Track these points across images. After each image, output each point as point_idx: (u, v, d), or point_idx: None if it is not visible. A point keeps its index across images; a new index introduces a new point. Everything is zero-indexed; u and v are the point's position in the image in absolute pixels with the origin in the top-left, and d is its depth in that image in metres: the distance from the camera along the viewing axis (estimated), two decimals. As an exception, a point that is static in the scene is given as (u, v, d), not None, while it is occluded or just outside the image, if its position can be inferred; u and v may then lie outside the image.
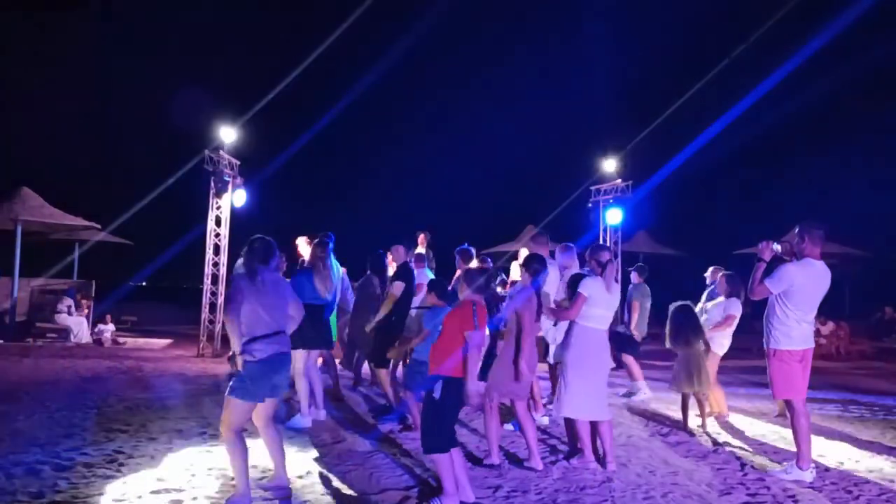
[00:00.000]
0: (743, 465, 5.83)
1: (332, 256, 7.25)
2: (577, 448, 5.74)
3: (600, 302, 5.56)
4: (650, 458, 5.97)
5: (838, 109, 28.88)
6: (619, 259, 13.59)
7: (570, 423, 5.81)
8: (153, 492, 4.61)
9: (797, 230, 5.56)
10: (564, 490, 4.97)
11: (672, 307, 7.29)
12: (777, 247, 5.63)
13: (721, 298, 7.75)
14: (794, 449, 6.41)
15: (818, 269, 5.46)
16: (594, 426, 5.68)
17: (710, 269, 8.78)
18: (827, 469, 5.76)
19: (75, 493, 4.55)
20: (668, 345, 7.23)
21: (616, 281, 5.97)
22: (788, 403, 5.55)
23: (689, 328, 7.04)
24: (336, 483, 4.97)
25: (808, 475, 5.39)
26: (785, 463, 5.60)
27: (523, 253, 8.72)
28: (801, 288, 5.39)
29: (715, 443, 6.59)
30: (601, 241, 13.08)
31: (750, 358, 12.85)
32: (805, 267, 5.43)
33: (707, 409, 7.22)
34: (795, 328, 5.44)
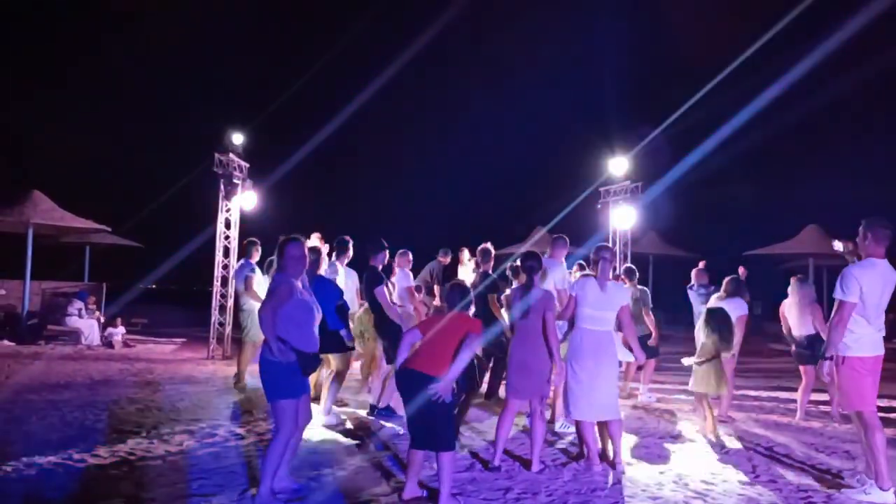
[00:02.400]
0: (754, 466, 5.80)
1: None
2: (584, 450, 5.72)
3: (590, 302, 5.53)
4: (660, 459, 5.96)
5: (850, 110, 28.75)
6: (629, 260, 13.53)
7: (579, 424, 5.80)
8: (164, 493, 4.62)
9: (861, 227, 5.13)
10: (575, 492, 4.96)
11: (706, 309, 7.29)
12: (838, 245, 5.42)
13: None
14: (802, 449, 6.40)
15: (882, 269, 5.05)
16: (603, 426, 5.67)
17: (699, 265, 8.95)
18: (840, 470, 5.73)
19: (87, 495, 4.57)
20: (702, 343, 7.16)
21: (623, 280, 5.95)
22: (860, 416, 5.06)
23: (725, 331, 7.02)
24: (346, 484, 4.98)
25: (891, 496, 4.90)
26: (869, 486, 5.00)
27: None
28: (867, 291, 4.98)
29: (725, 445, 6.56)
30: (610, 243, 13.07)
31: (762, 359, 12.79)
32: (868, 268, 5.03)
33: (715, 412, 7.18)
34: (865, 334, 5.04)
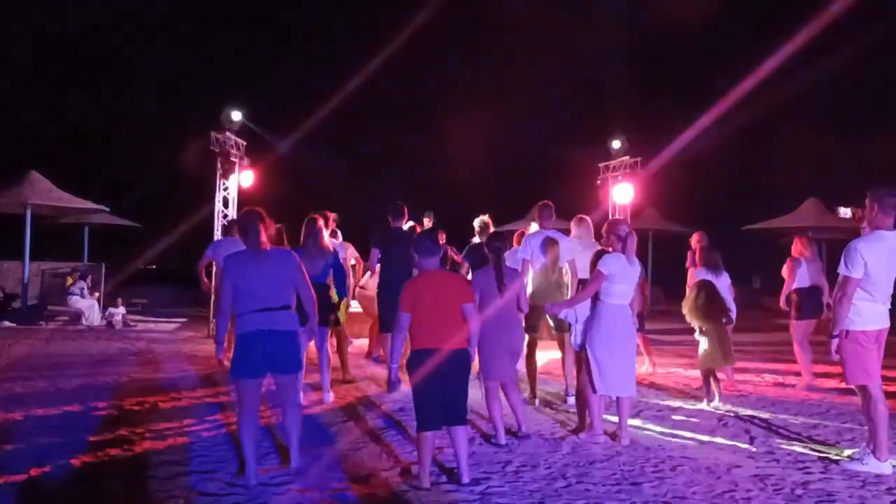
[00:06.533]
0: (752, 438, 5.83)
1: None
2: (586, 422, 5.74)
3: (621, 277, 5.49)
4: (659, 432, 5.98)
5: (850, 84, 28.56)
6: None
7: (580, 397, 5.82)
8: (164, 471, 4.65)
9: (867, 198, 4.94)
10: (574, 464, 4.99)
11: (696, 284, 7.26)
12: (845, 211, 5.29)
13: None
14: (800, 420, 6.43)
15: (890, 243, 4.86)
16: (609, 399, 5.70)
17: (695, 235, 8.92)
18: (837, 442, 5.76)
19: (88, 473, 4.60)
20: (692, 322, 7.15)
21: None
22: (863, 389, 4.98)
23: (717, 304, 7.01)
24: (347, 460, 5.00)
25: (888, 467, 4.87)
26: (867, 457, 4.96)
27: (532, 229, 8.71)
28: (873, 266, 4.82)
29: (723, 417, 6.59)
30: (609, 218, 13.04)
31: (760, 334, 12.83)
32: (874, 241, 4.87)
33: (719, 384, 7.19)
34: (869, 307, 4.92)
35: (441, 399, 4.49)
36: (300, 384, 4.92)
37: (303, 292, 4.67)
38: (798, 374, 8.38)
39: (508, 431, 5.66)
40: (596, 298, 5.61)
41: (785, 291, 8.15)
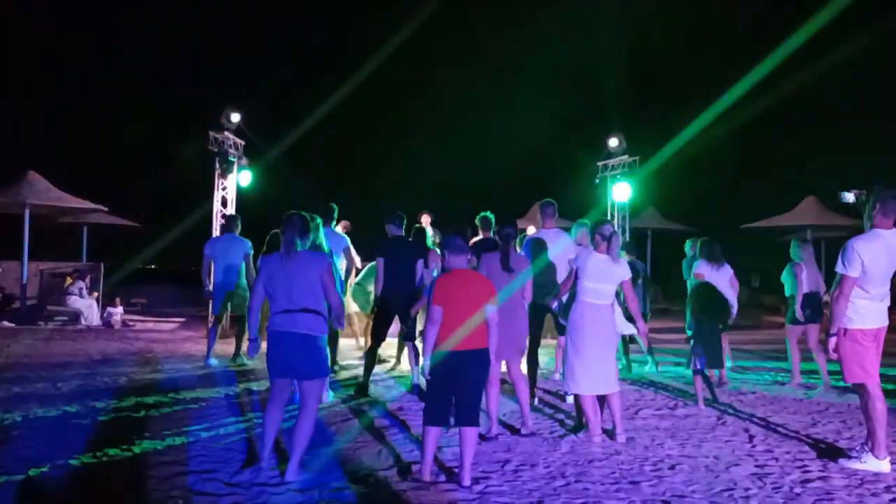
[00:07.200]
0: (751, 437, 5.83)
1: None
2: (584, 421, 5.75)
3: (597, 276, 5.53)
4: (658, 430, 5.99)
5: (848, 81, 28.57)
6: (628, 235, 13.54)
7: (577, 396, 5.83)
8: (164, 471, 4.65)
9: (871, 196, 4.97)
10: (573, 463, 5.00)
11: (695, 285, 7.26)
12: (849, 196, 5.30)
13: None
14: (798, 419, 6.43)
15: (888, 241, 4.89)
16: (603, 399, 5.70)
17: (689, 241, 8.90)
18: (835, 440, 5.76)
19: (87, 473, 4.60)
20: (691, 321, 7.14)
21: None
22: (861, 388, 4.99)
23: (716, 305, 7.01)
24: (345, 459, 5.00)
25: (886, 465, 4.89)
26: (865, 455, 4.98)
27: (531, 231, 8.69)
28: (871, 263, 4.84)
29: (722, 416, 6.60)
30: (609, 217, 13.07)
31: (758, 331, 12.84)
32: (872, 240, 4.89)
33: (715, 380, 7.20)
34: (867, 305, 4.95)
35: (454, 397, 4.54)
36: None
37: (330, 297, 4.56)
38: (815, 373, 8.35)
39: (511, 428, 5.67)
40: (573, 296, 5.68)
41: (801, 300, 8.03)
